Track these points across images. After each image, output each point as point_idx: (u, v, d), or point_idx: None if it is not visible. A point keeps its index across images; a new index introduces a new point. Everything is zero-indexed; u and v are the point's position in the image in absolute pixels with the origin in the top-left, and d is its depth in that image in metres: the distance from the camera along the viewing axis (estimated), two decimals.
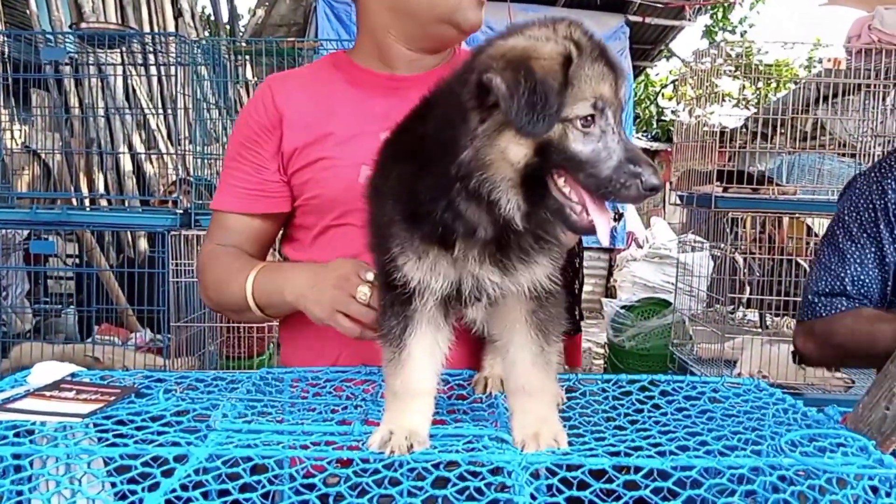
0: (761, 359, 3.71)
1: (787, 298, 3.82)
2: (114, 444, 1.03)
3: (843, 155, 4.68)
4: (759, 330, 4.63)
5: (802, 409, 1.22)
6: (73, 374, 1.37)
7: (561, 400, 1.23)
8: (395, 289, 1.09)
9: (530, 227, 0.97)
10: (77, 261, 5.36)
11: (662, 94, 17.07)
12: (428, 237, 1.03)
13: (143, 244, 5.67)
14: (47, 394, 1.22)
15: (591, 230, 0.94)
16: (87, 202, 5.25)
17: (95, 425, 1.13)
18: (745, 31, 16.71)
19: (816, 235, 5.11)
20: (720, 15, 15.91)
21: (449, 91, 1.01)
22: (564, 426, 1.09)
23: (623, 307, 5.47)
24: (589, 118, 0.91)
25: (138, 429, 1.10)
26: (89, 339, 4.19)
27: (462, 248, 1.02)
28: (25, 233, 4.66)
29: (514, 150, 0.90)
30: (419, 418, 1.07)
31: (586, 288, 8.94)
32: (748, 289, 4.69)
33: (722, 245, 4.35)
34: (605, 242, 0.96)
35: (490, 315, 1.16)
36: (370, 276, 1.25)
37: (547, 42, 0.93)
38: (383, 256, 1.10)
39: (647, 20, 8.52)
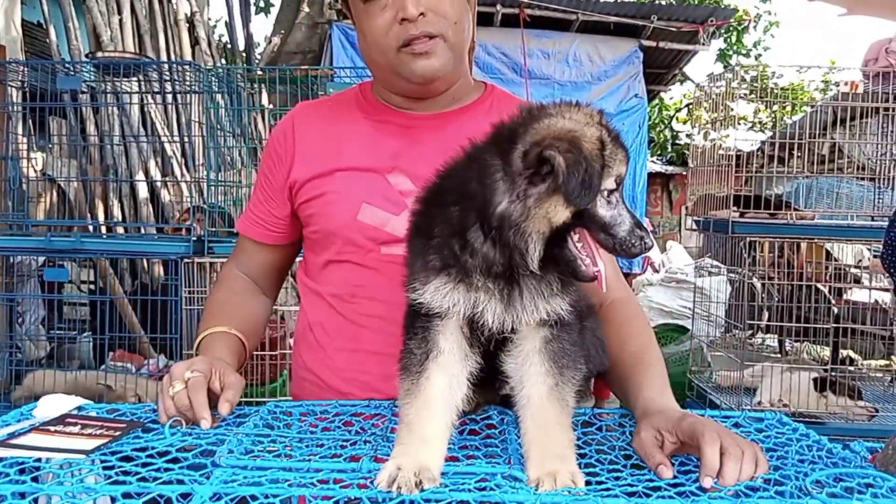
0: (781, 386, 3.64)
1: (806, 325, 3.75)
2: (118, 482, 1.01)
3: (862, 178, 4.62)
4: (779, 356, 4.56)
5: (827, 445, 1.18)
6: (79, 408, 1.36)
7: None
8: (419, 314, 1.14)
9: (541, 271, 1.10)
10: (92, 287, 5.38)
11: (677, 118, 17.06)
12: (440, 266, 1.11)
13: (157, 271, 5.68)
14: (52, 429, 1.20)
15: (594, 279, 1.09)
16: (103, 229, 5.28)
17: (100, 461, 1.10)
18: (760, 55, 16.72)
19: (836, 260, 5.05)
20: (734, 39, 15.93)
21: (488, 151, 1.11)
22: (580, 463, 1.06)
23: None
24: (611, 191, 1.07)
25: (143, 465, 1.08)
26: (103, 367, 4.18)
27: (472, 278, 1.10)
28: (41, 259, 4.68)
29: (560, 213, 1.04)
30: (431, 453, 1.04)
31: None
32: (766, 314, 4.62)
33: (739, 270, 4.29)
34: (604, 290, 1.14)
35: (506, 351, 1.15)
36: (189, 374, 1.28)
37: (588, 127, 1.07)
38: (408, 283, 1.16)
39: (661, 44, 8.51)
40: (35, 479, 1.01)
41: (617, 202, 1.08)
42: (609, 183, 1.06)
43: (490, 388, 1.25)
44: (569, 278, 1.12)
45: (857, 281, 5.18)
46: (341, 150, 1.56)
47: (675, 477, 1.04)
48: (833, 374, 3.81)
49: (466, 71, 1.61)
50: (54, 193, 5.23)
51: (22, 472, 1.04)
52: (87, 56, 5.37)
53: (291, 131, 1.61)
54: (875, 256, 5.32)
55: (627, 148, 1.12)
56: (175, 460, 1.10)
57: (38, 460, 1.09)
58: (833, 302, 4.76)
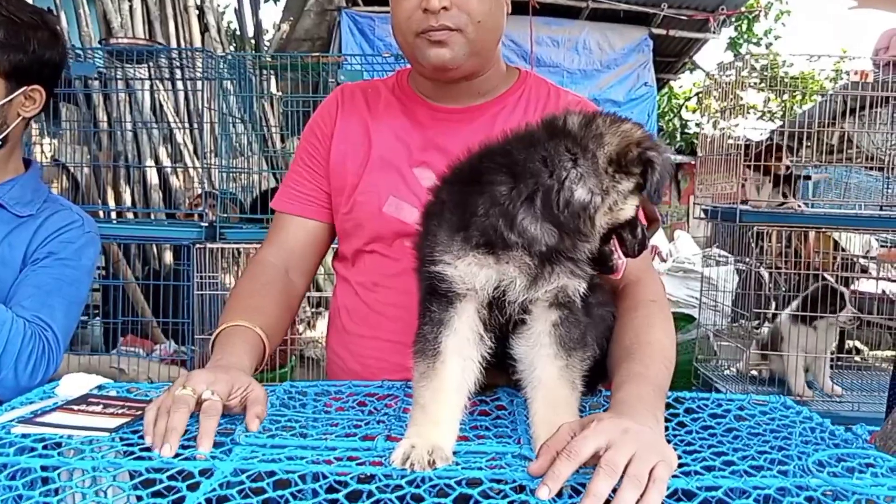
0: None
1: (813, 314, 3.76)
2: (140, 458, 1.04)
3: (871, 168, 4.62)
4: None
5: (830, 427, 1.21)
6: (99, 387, 1.39)
7: None
8: (437, 295, 1.15)
9: (584, 260, 1.16)
10: (103, 272, 5.44)
11: (686, 107, 17.00)
12: (475, 241, 1.12)
13: (168, 256, 5.73)
14: (75, 408, 1.23)
15: (616, 272, 1.28)
16: (113, 215, 5.33)
17: (122, 439, 1.14)
18: (771, 44, 16.61)
19: (844, 250, 5.04)
20: (745, 27, 15.84)
21: (555, 140, 1.14)
22: None
23: None
24: None
25: None
26: (114, 351, 4.24)
27: (510, 254, 1.12)
28: None
29: (629, 210, 1.14)
30: (444, 433, 1.07)
31: None
32: (774, 304, 4.63)
33: (747, 259, 4.30)
34: (619, 277, 1.32)
35: (517, 334, 1.18)
36: (208, 394, 1.17)
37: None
38: (430, 265, 1.15)
39: (671, 33, 8.49)
40: (59, 455, 1.05)
41: None
42: None
43: (500, 371, 1.28)
44: (596, 268, 1.19)
45: (865, 271, 5.18)
46: (373, 139, 1.59)
47: (679, 457, 1.07)
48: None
49: (497, 65, 1.61)
50: (65, 179, 5.28)
51: (46, 447, 1.08)
52: (99, 42, 5.40)
53: (335, 110, 1.65)
54: (883, 246, 5.32)
55: None
56: (194, 438, 1.13)
57: (62, 436, 1.13)
58: None
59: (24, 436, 1.11)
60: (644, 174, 1.11)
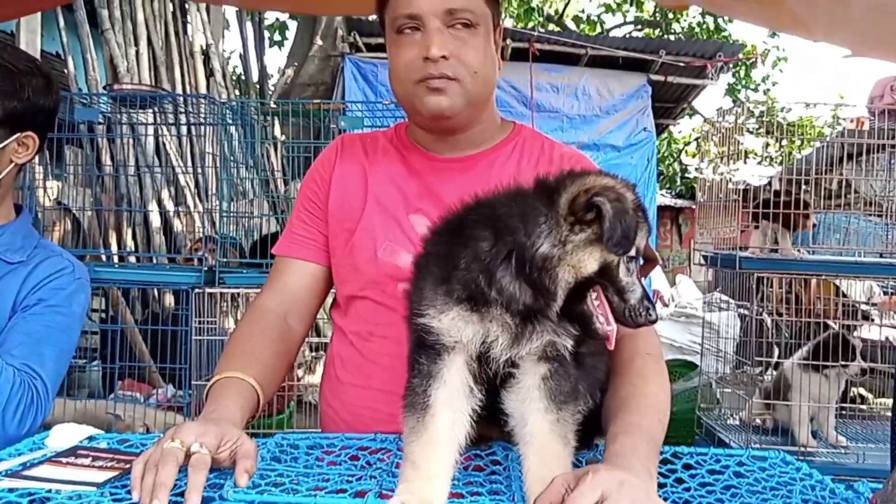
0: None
1: (815, 362, 3.73)
2: None
3: (870, 214, 4.63)
4: None
5: (830, 485, 1.18)
6: (90, 438, 1.38)
7: None
8: (425, 347, 1.14)
9: (556, 320, 1.13)
10: (103, 316, 5.42)
11: (686, 152, 17.15)
12: (458, 296, 1.12)
13: (168, 300, 5.72)
14: (64, 460, 1.22)
15: (605, 337, 1.12)
16: (115, 258, 5.34)
17: (110, 494, 1.12)
18: (769, 89, 16.82)
19: (845, 296, 5.02)
20: (742, 73, 16.04)
21: (533, 195, 1.14)
22: None
23: None
24: (631, 258, 1.11)
25: None
26: (112, 396, 4.20)
27: (491, 311, 1.11)
28: None
29: (589, 264, 1.08)
30: (436, 489, 1.05)
31: None
32: (777, 351, 4.60)
33: (749, 305, 4.28)
34: (611, 347, 1.15)
35: (507, 388, 1.17)
36: (197, 447, 1.14)
37: (627, 190, 1.13)
38: (417, 317, 1.15)
39: (670, 79, 8.57)
40: None
41: (633, 271, 1.12)
42: (632, 250, 1.10)
43: (493, 423, 1.26)
44: (581, 333, 1.14)
45: (867, 318, 5.15)
46: (371, 185, 1.62)
47: None
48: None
49: (491, 117, 1.65)
50: (68, 222, 5.30)
51: (32, 503, 1.06)
52: (105, 88, 5.48)
53: (334, 157, 1.68)
54: (885, 293, 5.30)
55: (648, 222, 1.16)
56: (183, 493, 1.11)
57: (49, 491, 1.11)
58: None
59: (10, 490, 1.09)
60: (598, 222, 1.07)
